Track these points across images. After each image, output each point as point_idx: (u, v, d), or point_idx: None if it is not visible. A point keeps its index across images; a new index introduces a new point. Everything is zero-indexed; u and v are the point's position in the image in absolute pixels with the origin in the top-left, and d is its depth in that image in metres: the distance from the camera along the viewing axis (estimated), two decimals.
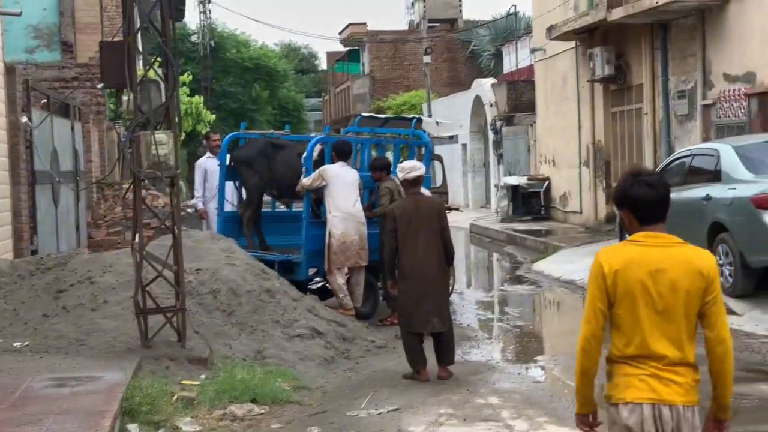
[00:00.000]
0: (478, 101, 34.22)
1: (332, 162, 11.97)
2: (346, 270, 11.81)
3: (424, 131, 13.67)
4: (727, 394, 3.99)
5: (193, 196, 15.71)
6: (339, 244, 11.61)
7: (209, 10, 47.35)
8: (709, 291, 3.91)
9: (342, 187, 11.76)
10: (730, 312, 11.57)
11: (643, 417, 3.86)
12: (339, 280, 11.73)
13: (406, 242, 9.12)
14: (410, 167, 9.45)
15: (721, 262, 12.01)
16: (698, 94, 17.85)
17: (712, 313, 3.93)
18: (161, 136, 8.57)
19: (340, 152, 12.03)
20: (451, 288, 11.13)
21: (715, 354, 3.94)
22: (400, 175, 9.51)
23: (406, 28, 58.24)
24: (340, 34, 58.95)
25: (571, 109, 24.21)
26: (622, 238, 15.10)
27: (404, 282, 9.16)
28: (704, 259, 3.98)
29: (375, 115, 18.41)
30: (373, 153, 13.54)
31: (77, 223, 16.21)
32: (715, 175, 12.42)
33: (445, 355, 9.21)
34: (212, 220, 14.02)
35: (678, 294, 3.90)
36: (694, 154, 13.38)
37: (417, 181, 9.40)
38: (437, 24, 55.36)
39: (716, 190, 12.13)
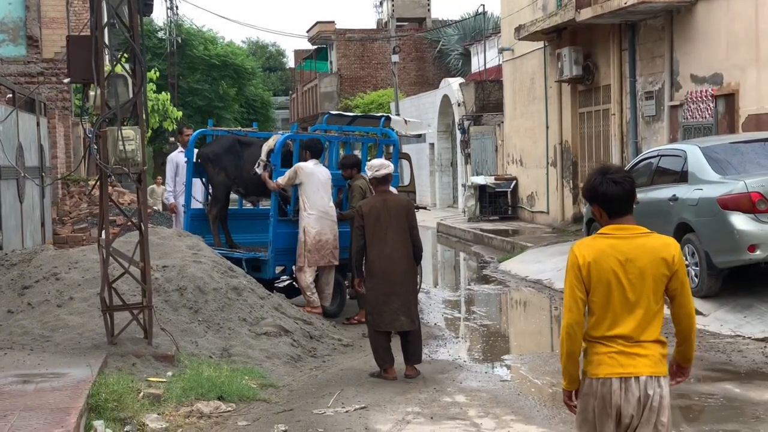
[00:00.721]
0: (446, 100, 34.28)
1: (303, 160, 11.93)
2: (315, 268, 11.78)
3: (393, 130, 13.66)
4: (692, 350, 4.60)
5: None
6: (314, 243, 11.59)
7: (176, 6, 47.17)
8: (676, 276, 4.40)
9: (317, 185, 11.73)
10: (696, 312, 11.64)
11: (612, 389, 4.35)
12: (309, 278, 11.71)
13: (374, 240, 9.10)
14: (379, 165, 9.45)
15: (687, 262, 12.09)
16: (666, 95, 17.96)
17: (681, 295, 4.45)
18: (128, 131, 8.50)
19: (314, 150, 11.98)
20: (417, 286, 11.09)
21: (684, 325, 4.52)
22: (369, 173, 9.50)
23: (374, 26, 58.25)
24: (308, 32, 58.85)
25: (538, 109, 24.31)
26: None
27: (372, 280, 9.14)
28: (669, 248, 4.41)
29: (343, 113, 18.37)
30: (341, 151, 13.51)
31: (42, 219, 16.07)
32: (681, 176, 12.50)
33: (413, 353, 9.21)
34: (181, 215, 13.96)
35: (646, 281, 4.36)
36: (662, 155, 13.46)
37: (386, 179, 9.40)
38: (405, 23, 55.45)
39: (683, 191, 12.21)
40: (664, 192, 12.65)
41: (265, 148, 12.18)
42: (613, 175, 4.42)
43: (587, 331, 4.45)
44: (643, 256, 4.36)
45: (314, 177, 11.71)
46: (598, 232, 4.48)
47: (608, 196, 4.39)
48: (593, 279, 4.38)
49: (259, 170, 12.03)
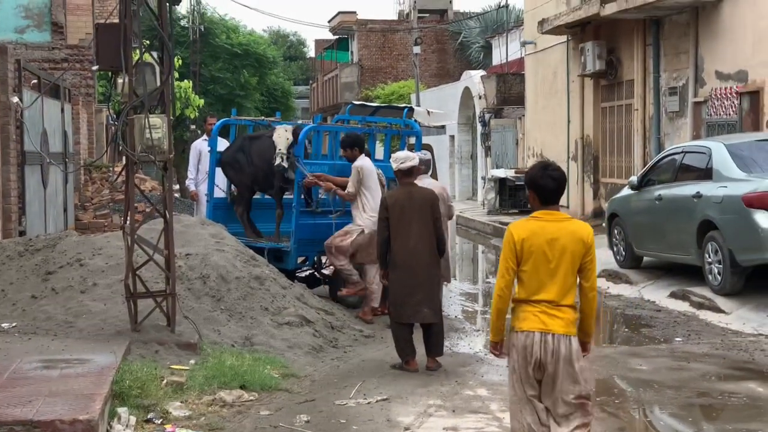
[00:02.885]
0: (467, 93, 34.22)
1: (349, 158, 11.44)
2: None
3: (416, 121, 13.62)
4: (592, 324, 5.54)
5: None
6: (368, 240, 11.02)
7: None
8: (587, 253, 5.36)
9: (376, 184, 11.31)
10: (719, 310, 11.63)
11: (533, 340, 5.29)
12: (342, 261, 11.34)
13: (398, 232, 9.06)
14: (404, 157, 9.38)
15: (710, 260, 12.05)
16: (690, 91, 17.89)
17: (589, 269, 5.40)
18: (155, 119, 8.52)
19: (362, 146, 11.54)
20: (445, 280, 11.02)
21: (588, 297, 5.44)
22: (394, 166, 9.43)
23: (395, 17, 58.17)
24: (329, 22, 58.85)
25: (560, 103, 24.23)
26: (610, 233, 15.13)
27: (395, 272, 9.11)
28: (584, 230, 5.39)
29: (366, 103, 18.34)
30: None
31: (65, 204, 16.14)
32: (706, 173, 12.44)
33: (435, 346, 9.20)
34: (202, 203, 14.01)
35: (566, 256, 5.31)
36: (686, 152, 13.40)
37: (411, 172, 9.35)
38: (427, 14, 55.35)
39: (707, 188, 12.15)
40: (687, 189, 12.60)
41: (281, 139, 11.95)
42: (551, 171, 5.38)
43: (517, 295, 5.38)
44: (565, 236, 5.31)
45: (373, 175, 11.31)
46: (531, 215, 5.41)
47: (545, 187, 5.35)
48: (525, 253, 5.31)
49: (284, 164, 11.87)
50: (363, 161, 11.31)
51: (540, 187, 5.36)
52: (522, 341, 5.30)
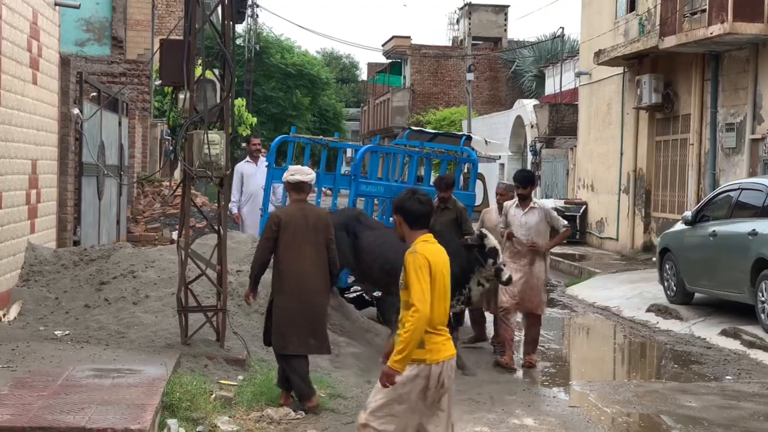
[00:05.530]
0: (518, 121, 34.17)
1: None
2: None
3: (473, 149, 13.64)
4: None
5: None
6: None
7: (257, 15, 47.67)
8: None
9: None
10: None
11: (443, 369, 5.39)
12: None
13: (289, 253, 7.96)
14: (295, 170, 8.23)
15: (763, 299, 11.90)
16: (747, 128, 17.72)
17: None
18: (214, 136, 8.61)
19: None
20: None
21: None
22: (284, 177, 8.34)
23: (448, 43, 58.31)
24: (383, 45, 59.10)
25: (613, 135, 24.10)
26: (661, 268, 14.99)
27: (282, 297, 7.99)
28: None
29: (424, 129, 18.42)
30: (420, 168, 13.54)
31: (118, 216, 16.33)
32: (762, 211, 12.31)
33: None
34: (246, 224, 14.05)
35: (448, 277, 5.51)
36: (742, 188, 13.27)
37: (299, 187, 8.15)
38: (481, 42, 55.43)
39: (763, 226, 12.01)
40: (743, 226, 12.47)
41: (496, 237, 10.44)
42: (419, 196, 5.59)
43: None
44: (446, 258, 5.53)
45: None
46: (420, 239, 5.48)
47: (412, 211, 5.51)
48: (436, 277, 5.37)
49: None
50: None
51: (408, 211, 5.51)
52: (435, 372, 5.35)
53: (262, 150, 14.92)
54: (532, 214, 10.68)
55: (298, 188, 8.13)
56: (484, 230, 10.25)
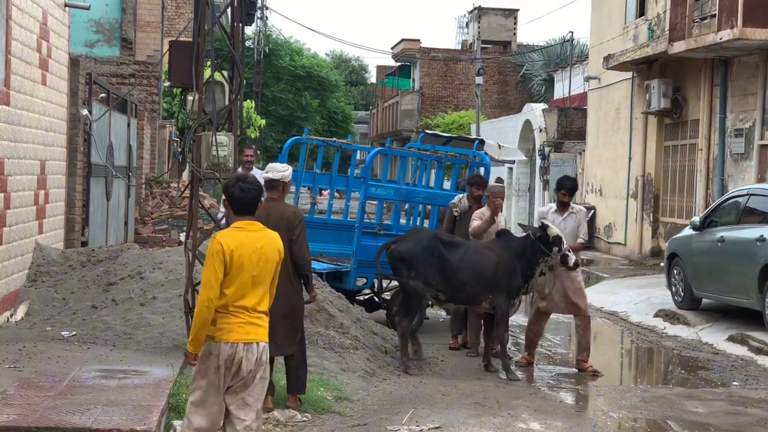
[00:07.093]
0: (527, 125, 34.12)
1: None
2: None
3: (486, 154, 13.66)
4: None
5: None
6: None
7: (266, 17, 47.72)
8: (281, 260, 5.72)
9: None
10: None
11: (236, 351, 5.47)
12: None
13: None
14: (269, 167, 8.24)
15: None
16: (756, 134, 17.68)
17: (277, 275, 5.72)
18: (222, 137, 8.61)
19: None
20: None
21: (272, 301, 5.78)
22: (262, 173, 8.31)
23: (457, 47, 58.24)
24: (392, 48, 59.05)
25: (622, 139, 24.07)
26: (669, 273, 14.97)
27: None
28: (279, 240, 5.74)
29: (438, 133, 18.44)
30: (432, 171, 13.55)
31: (126, 217, 16.35)
32: None
33: (294, 382, 8.14)
34: None
35: (268, 264, 5.61)
36: (751, 194, 13.24)
37: (271, 185, 8.03)
38: (490, 45, 55.35)
39: None
40: (751, 232, 12.44)
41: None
42: (243, 183, 5.64)
43: (218, 303, 5.48)
44: (267, 245, 5.60)
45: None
46: (233, 226, 5.63)
47: (235, 197, 5.61)
48: (234, 262, 5.46)
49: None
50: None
51: (231, 197, 5.64)
52: (225, 351, 5.45)
53: (255, 163, 14.67)
54: (571, 219, 10.93)
55: (269, 186, 8.00)
56: (545, 221, 10.51)
